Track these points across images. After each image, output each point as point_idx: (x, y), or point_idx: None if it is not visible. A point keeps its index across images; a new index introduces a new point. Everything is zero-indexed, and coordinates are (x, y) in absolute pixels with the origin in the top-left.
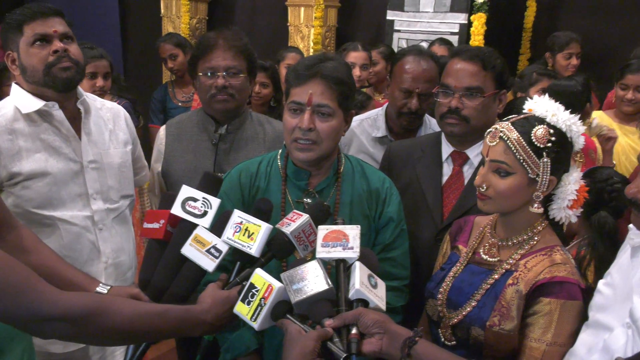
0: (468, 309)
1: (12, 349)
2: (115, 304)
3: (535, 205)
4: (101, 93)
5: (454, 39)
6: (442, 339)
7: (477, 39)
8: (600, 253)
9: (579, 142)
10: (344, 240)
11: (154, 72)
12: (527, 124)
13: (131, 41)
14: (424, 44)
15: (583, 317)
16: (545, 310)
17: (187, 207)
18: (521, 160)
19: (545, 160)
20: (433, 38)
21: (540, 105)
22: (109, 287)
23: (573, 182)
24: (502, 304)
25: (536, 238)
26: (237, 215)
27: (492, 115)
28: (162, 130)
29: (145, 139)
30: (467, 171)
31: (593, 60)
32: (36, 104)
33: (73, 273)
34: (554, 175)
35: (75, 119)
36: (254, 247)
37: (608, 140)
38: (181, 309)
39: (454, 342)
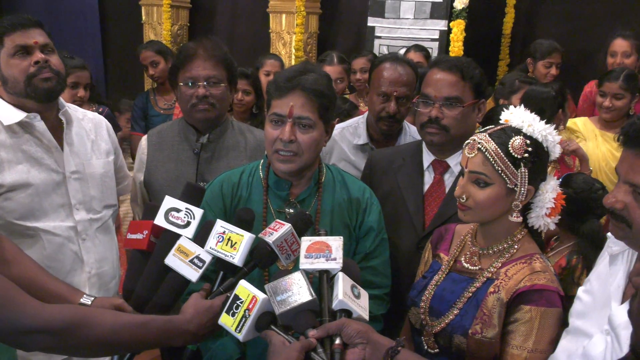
0: (450, 317)
1: None
2: (96, 316)
3: (514, 214)
4: (80, 103)
5: (434, 45)
6: (425, 347)
7: (456, 45)
8: (592, 262)
9: (555, 151)
10: (327, 251)
11: (135, 79)
12: (504, 135)
13: (112, 48)
14: (404, 50)
15: (562, 323)
16: (526, 318)
17: (170, 218)
18: (499, 171)
19: (523, 170)
20: (413, 44)
21: (516, 116)
22: (92, 298)
23: (550, 191)
24: (483, 312)
25: (516, 246)
26: (220, 225)
27: (472, 124)
28: (144, 140)
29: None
30: (448, 179)
31: (569, 67)
32: (17, 115)
33: (56, 284)
34: (531, 185)
35: (57, 129)
36: (236, 257)
37: (574, 151)
38: (163, 319)
39: (437, 350)
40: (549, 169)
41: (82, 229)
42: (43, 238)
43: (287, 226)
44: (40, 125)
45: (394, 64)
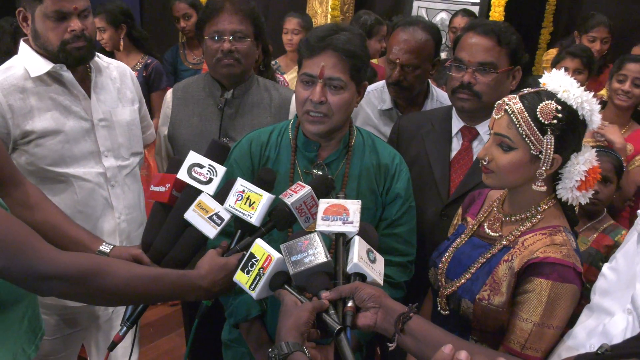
0: (462, 281)
1: (15, 304)
2: (111, 266)
3: (538, 183)
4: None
5: (475, 9)
6: (439, 308)
7: (497, 10)
8: None
9: (594, 121)
10: (344, 214)
11: (172, 32)
12: (536, 98)
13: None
14: (444, 14)
15: (577, 301)
16: (535, 290)
17: (193, 173)
18: (524, 136)
19: (549, 137)
20: (453, 7)
21: (554, 79)
22: (111, 247)
23: (582, 163)
24: (494, 279)
25: (539, 217)
26: (240, 184)
27: (505, 91)
28: (169, 94)
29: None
30: (477, 147)
31: (619, 38)
32: (45, 66)
33: (77, 231)
34: (559, 154)
35: (84, 78)
36: (254, 216)
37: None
38: (177, 273)
39: (447, 312)
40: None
41: (112, 175)
42: (74, 184)
43: (307, 189)
44: (67, 75)
45: (405, 30)
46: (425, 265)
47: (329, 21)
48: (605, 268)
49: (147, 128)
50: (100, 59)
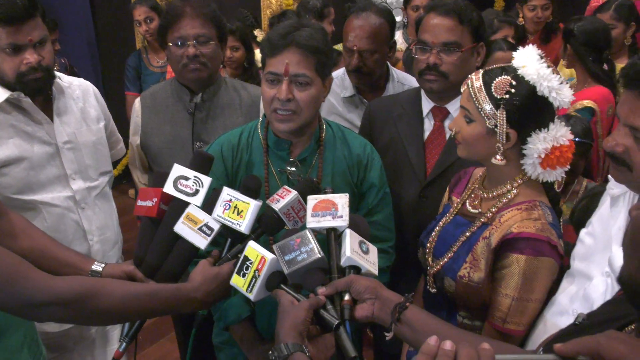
0: (445, 260)
1: (12, 333)
2: (106, 287)
3: (498, 156)
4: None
5: None
6: (427, 286)
7: None
8: None
9: (558, 99)
10: (333, 209)
11: (126, 37)
12: (497, 73)
13: (101, 6)
14: None
15: (555, 273)
16: (511, 266)
17: (179, 186)
18: (478, 109)
19: (501, 111)
20: None
21: (520, 55)
22: (103, 265)
23: (542, 140)
24: (473, 257)
25: (515, 191)
26: (227, 193)
27: (471, 69)
28: (137, 102)
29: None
30: (449, 126)
31: (567, 6)
32: (2, 94)
33: (67, 254)
34: (514, 129)
35: (45, 101)
36: (243, 225)
37: None
38: (171, 288)
39: (434, 290)
40: None
41: (81, 198)
42: (43, 210)
43: (293, 194)
44: (27, 101)
45: (358, 16)
46: (407, 248)
47: None
48: (583, 233)
49: (117, 143)
50: (61, 80)
